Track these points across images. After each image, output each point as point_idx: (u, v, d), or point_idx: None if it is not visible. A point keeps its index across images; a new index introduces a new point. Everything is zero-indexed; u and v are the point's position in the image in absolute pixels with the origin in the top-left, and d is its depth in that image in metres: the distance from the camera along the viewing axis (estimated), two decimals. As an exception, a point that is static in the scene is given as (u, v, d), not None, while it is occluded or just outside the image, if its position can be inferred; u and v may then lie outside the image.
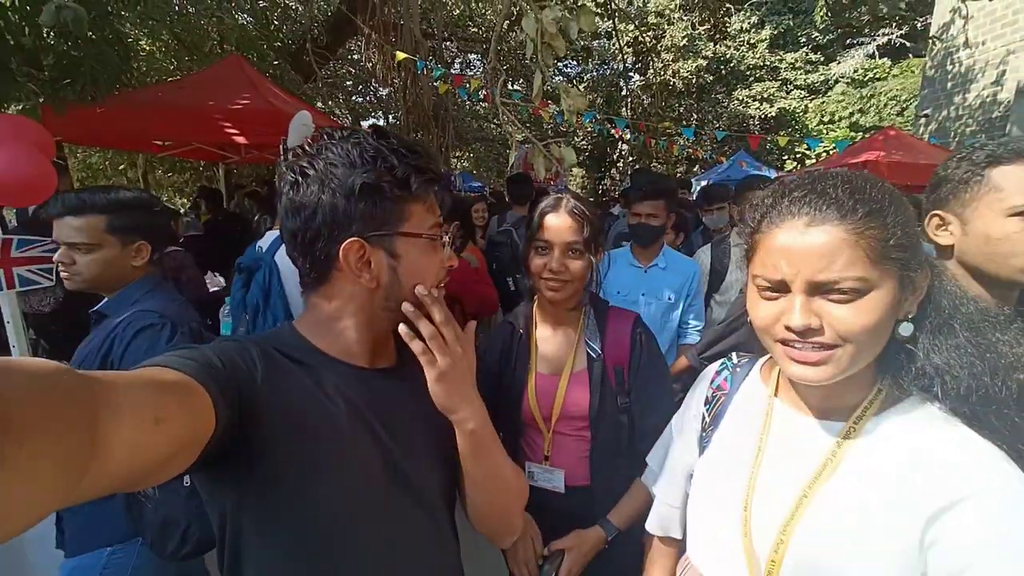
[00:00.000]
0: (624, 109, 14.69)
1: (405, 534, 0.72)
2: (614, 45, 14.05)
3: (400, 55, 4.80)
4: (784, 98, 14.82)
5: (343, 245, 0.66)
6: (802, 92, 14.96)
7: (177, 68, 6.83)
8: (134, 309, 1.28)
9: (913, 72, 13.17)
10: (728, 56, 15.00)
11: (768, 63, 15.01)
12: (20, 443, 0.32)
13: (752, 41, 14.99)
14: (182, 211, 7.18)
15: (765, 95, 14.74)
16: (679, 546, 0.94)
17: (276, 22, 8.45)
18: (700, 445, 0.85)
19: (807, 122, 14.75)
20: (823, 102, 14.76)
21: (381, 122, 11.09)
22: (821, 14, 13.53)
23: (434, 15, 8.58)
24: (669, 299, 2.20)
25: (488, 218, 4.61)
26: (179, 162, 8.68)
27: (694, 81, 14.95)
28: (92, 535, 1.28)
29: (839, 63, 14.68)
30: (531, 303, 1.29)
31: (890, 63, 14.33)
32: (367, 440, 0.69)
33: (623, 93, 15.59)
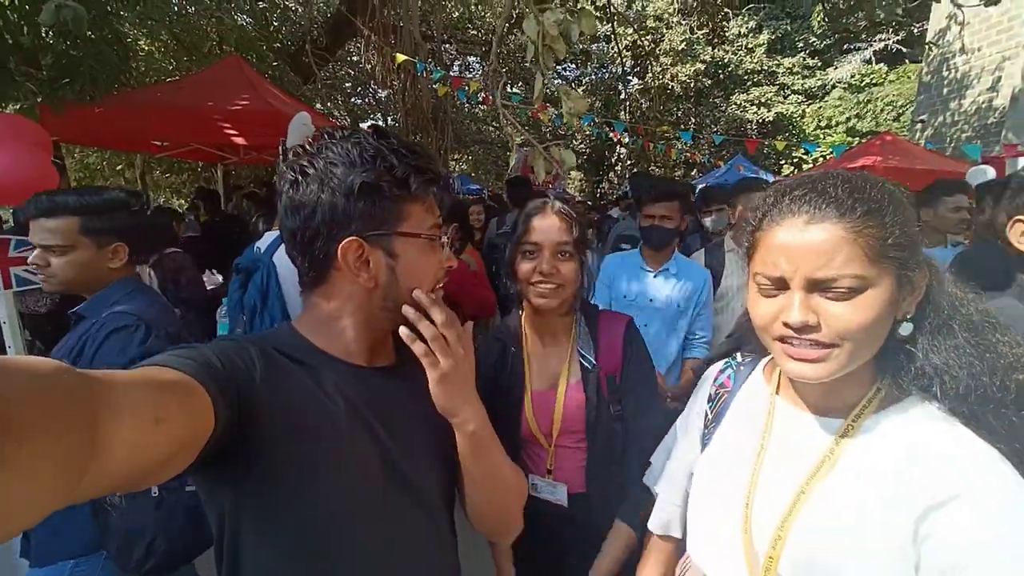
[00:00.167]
0: (622, 113, 14.72)
1: (403, 533, 0.72)
2: (613, 49, 14.13)
3: (400, 57, 4.81)
4: (781, 103, 14.90)
5: (342, 244, 0.66)
6: (799, 97, 15.03)
7: (176, 68, 6.82)
8: (110, 311, 1.26)
9: (909, 78, 13.26)
10: (726, 60, 15.07)
11: (766, 68, 15.08)
12: (20, 443, 0.32)
13: (750, 46, 15.07)
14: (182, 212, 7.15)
15: (763, 100, 14.82)
16: (677, 544, 0.95)
17: (275, 23, 8.46)
18: (702, 442, 0.86)
19: (804, 127, 14.82)
20: (820, 107, 14.83)
21: (380, 124, 11.09)
22: (819, 19, 13.63)
23: (433, 17, 8.61)
24: (679, 306, 2.14)
25: (486, 220, 4.61)
26: (177, 163, 8.66)
27: (692, 85, 15.00)
28: (57, 545, 1.25)
29: (836, 68, 14.77)
30: (518, 316, 1.25)
31: (887, 69, 14.43)
32: (366, 439, 0.69)
33: (621, 97, 15.64)
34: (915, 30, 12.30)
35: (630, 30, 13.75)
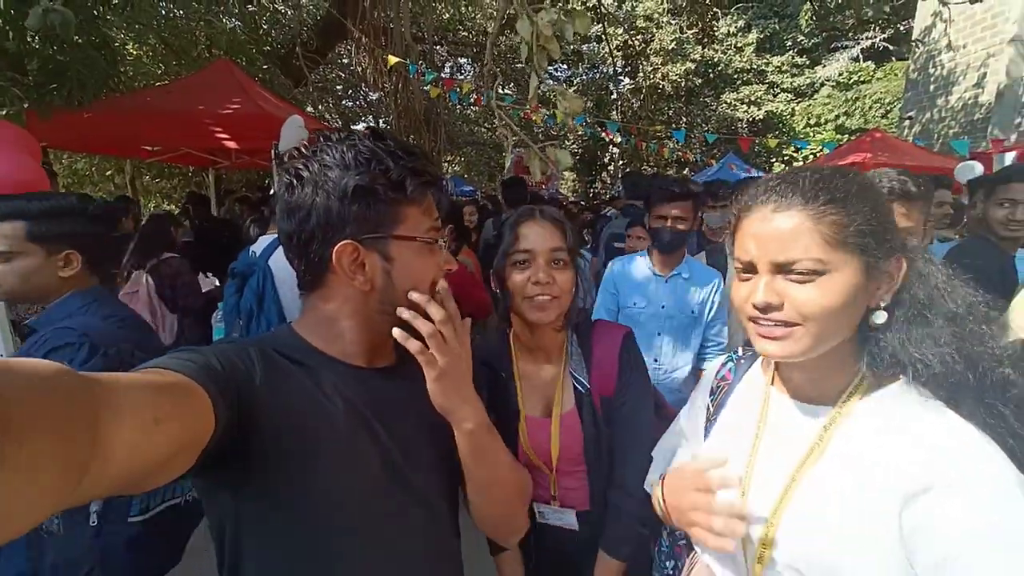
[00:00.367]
0: (614, 113, 14.79)
1: (405, 533, 0.71)
2: (603, 49, 14.17)
3: (392, 59, 4.80)
4: (771, 101, 15.02)
5: (336, 247, 0.66)
6: (788, 95, 15.17)
7: (165, 73, 6.77)
8: (56, 326, 1.18)
9: (897, 75, 13.41)
10: (716, 60, 15.17)
11: (755, 66, 15.20)
12: (20, 443, 0.32)
13: (739, 45, 15.18)
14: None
15: (752, 98, 14.93)
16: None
17: (265, 26, 8.41)
18: (706, 434, 0.87)
19: (794, 125, 14.95)
20: (809, 105, 14.97)
21: (376, 126, 11.03)
22: (807, 18, 13.76)
23: (424, 19, 8.59)
24: (693, 312, 2.02)
25: (480, 221, 4.61)
26: (168, 168, 8.58)
27: (683, 84, 15.10)
28: None
29: (824, 66, 14.91)
30: (504, 334, 1.17)
31: (874, 66, 14.59)
32: (366, 439, 0.69)
33: (613, 97, 15.70)
34: (901, 28, 12.44)
35: (620, 30, 13.82)
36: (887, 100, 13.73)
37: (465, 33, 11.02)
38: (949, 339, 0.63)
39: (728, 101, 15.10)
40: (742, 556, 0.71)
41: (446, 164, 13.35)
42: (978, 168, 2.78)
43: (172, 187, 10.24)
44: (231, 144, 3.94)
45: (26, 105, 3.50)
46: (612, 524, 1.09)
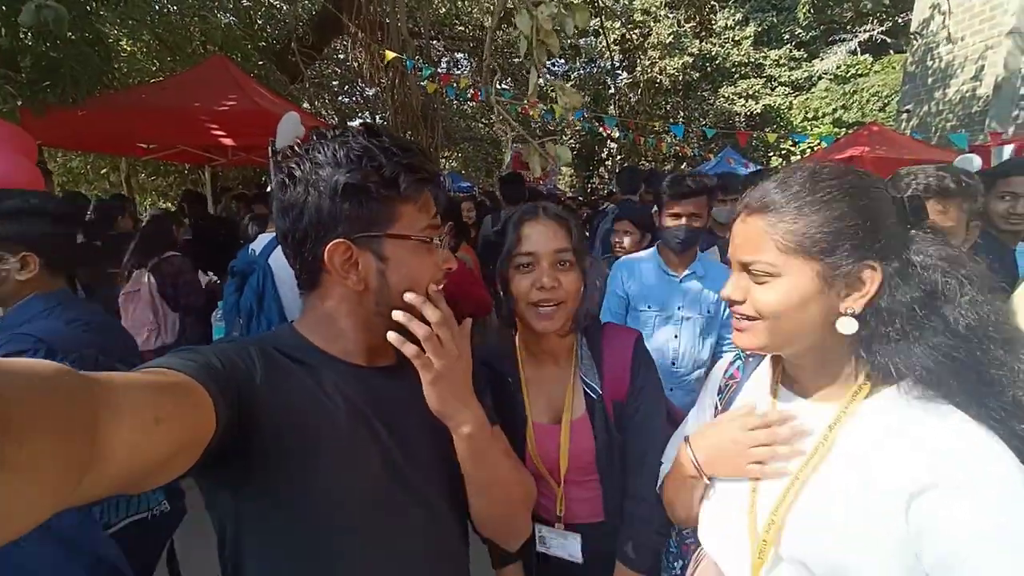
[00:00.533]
0: (612, 107, 14.74)
1: (405, 533, 0.71)
2: (601, 43, 14.11)
3: (389, 54, 4.77)
4: (769, 95, 14.97)
5: (327, 247, 0.65)
6: (786, 89, 15.12)
7: (160, 69, 6.72)
8: (13, 331, 1.13)
9: (894, 68, 13.37)
10: (714, 53, 15.11)
11: (753, 60, 15.14)
12: (20, 443, 0.32)
13: (737, 38, 15.12)
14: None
15: (750, 92, 14.88)
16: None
17: (260, 21, 8.35)
18: None
19: (792, 118, 14.92)
20: (807, 98, 14.93)
21: (372, 122, 10.99)
22: (804, 11, 13.71)
23: (420, 13, 8.53)
24: (709, 311, 1.94)
25: (479, 217, 4.61)
26: (163, 165, 8.54)
27: (680, 78, 15.03)
28: None
29: (822, 60, 14.85)
30: (510, 336, 1.12)
31: (872, 59, 14.54)
32: (366, 438, 0.69)
33: (610, 91, 15.64)
34: (899, 20, 12.41)
35: (618, 24, 13.75)
36: (885, 93, 13.70)
37: (462, 28, 10.95)
38: (955, 350, 0.62)
39: (726, 95, 15.05)
40: (747, 552, 0.72)
41: (443, 160, 13.31)
42: (977, 161, 2.77)
43: (168, 185, 10.19)
44: (227, 141, 3.92)
45: (19, 103, 3.47)
46: (629, 534, 1.04)
